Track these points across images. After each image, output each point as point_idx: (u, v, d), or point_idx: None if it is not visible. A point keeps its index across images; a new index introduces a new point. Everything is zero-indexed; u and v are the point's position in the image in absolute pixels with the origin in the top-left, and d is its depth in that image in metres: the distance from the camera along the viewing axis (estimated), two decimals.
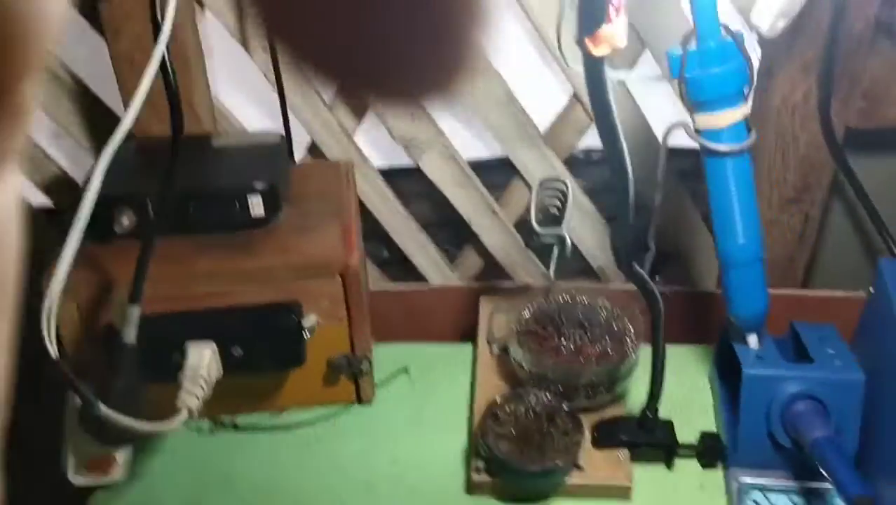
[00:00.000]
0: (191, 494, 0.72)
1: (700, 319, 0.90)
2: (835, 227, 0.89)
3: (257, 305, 0.71)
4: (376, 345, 0.86)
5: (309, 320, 0.72)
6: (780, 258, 0.87)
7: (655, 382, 0.70)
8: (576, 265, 0.92)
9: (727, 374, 0.76)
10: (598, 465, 0.71)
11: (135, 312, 0.66)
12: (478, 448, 0.71)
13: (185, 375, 0.67)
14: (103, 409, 0.59)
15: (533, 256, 0.91)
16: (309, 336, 0.73)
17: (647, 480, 0.73)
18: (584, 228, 0.89)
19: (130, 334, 0.66)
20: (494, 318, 0.83)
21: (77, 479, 0.68)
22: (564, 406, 0.72)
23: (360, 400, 0.79)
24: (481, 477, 0.71)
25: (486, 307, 0.85)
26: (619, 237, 0.63)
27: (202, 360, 0.68)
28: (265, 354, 0.71)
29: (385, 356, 0.85)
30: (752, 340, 0.70)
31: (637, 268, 0.64)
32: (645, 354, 0.84)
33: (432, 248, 0.92)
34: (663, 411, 0.77)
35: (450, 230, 0.94)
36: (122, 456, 0.70)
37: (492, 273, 0.95)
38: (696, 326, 0.89)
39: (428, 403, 0.80)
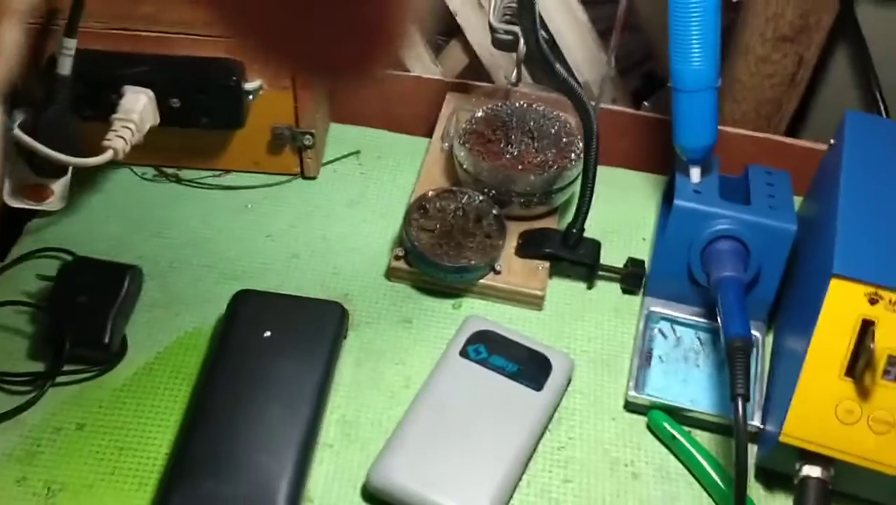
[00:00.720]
0: (123, 233, 0.74)
1: (672, 150, 0.88)
2: (831, 78, 0.83)
3: (200, 58, 0.69)
4: (339, 125, 0.86)
5: (252, 84, 0.71)
6: (767, 99, 0.82)
7: (582, 199, 0.68)
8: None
9: (671, 205, 0.74)
10: (515, 271, 0.71)
11: (70, 44, 0.65)
12: (401, 236, 0.71)
13: (116, 116, 0.67)
14: (18, 132, 0.60)
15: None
16: (252, 99, 0.72)
17: (565, 294, 0.73)
18: (572, 36, 0.85)
19: (65, 65, 0.66)
20: (456, 116, 0.81)
21: (12, 201, 0.71)
22: (494, 210, 0.72)
23: (303, 174, 0.80)
24: (400, 264, 0.72)
25: (450, 104, 0.83)
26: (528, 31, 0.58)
27: (136, 103, 0.68)
28: (202, 108, 0.71)
29: (343, 136, 0.84)
30: (695, 173, 0.68)
31: (559, 70, 0.61)
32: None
33: (417, 36, 0.89)
34: (602, 232, 0.77)
35: (440, 22, 0.90)
36: (58, 187, 0.72)
37: (476, 74, 0.92)
38: (666, 157, 0.86)
39: (371, 189, 0.80)
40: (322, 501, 0.60)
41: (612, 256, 0.75)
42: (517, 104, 0.77)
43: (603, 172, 0.83)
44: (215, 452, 0.57)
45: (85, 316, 0.65)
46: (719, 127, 0.82)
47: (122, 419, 0.63)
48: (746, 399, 0.51)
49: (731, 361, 0.53)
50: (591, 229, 0.78)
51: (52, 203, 0.72)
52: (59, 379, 0.64)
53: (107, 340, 0.64)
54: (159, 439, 0.62)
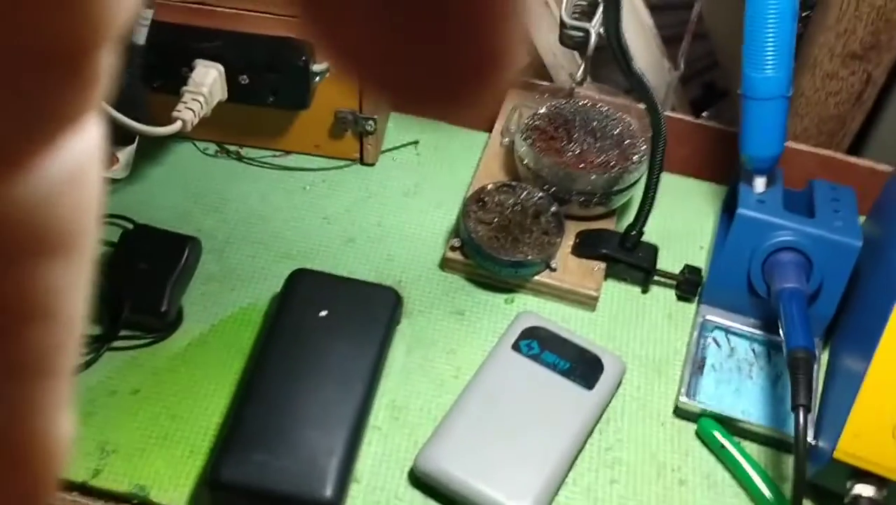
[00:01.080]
0: (182, 205, 0.75)
1: (733, 160, 0.87)
2: None
3: (272, 37, 0.70)
4: (398, 114, 0.86)
5: (320, 66, 0.72)
6: (830, 116, 0.82)
7: (645, 202, 0.68)
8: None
9: (732, 214, 0.74)
10: (571, 270, 0.71)
11: (147, 14, 0.66)
12: (458, 228, 0.71)
13: (186, 88, 0.68)
14: None
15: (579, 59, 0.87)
16: (318, 80, 0.73)
17: (619, 297, 0.73)
18: (637, 40, 0.84)
19: (141, 35, 0.67)
20: (519, 111, 0.81)
21: None
22: (553, 207, 0.72)
23: (362, 160, 0.80)
24: (455, 255, 0.72)
25: (511, 99, 0.83)
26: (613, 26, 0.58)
27: (206, 77, 0.69)
28: (270, 87, 0.71)
29: (402, 126, 0.85)
30: (759, 182, 0.67)
31: (636, 69, 0.60)
32: None
33: None
34: (659, 238, 0.77)
35: None
36: (123, 155, 0.73)
37: (536, 75, 0.92)
38: (725, 167, 0.85)
39: (428, 179, 0.80)
40: (369, 483, 0.60)
41: (668, 263, 0.75)
42: (580, 103, 0.76)
43: (662, 179, 0.83)
44: (268, 426, 0.58)
45: (144, 283, 0.66)
46: None
47: (176, 387, 0.63)
48: (808, 410, 0.51)
49: (793, 371, 0.53)
50: (648, 234, 0.78)
51: (117, 171, 0.73)
52: (116, 344, 0.65)
53: (164, 309, 0.65)
54: (211, 410, 0.62)
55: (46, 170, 0.14)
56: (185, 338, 0.66)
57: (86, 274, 0.15)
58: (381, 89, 0.15)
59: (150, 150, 0.78)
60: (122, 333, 0.65)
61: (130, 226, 0.71)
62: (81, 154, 0.15)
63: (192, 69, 0.69)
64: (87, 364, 0.63)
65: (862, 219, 0.75)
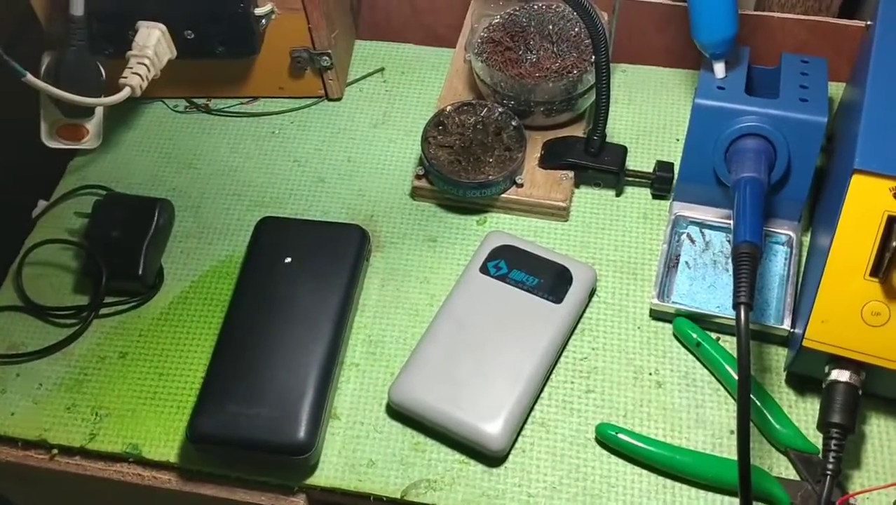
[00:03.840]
0: (157, 166, 0.76)
1: None
2: None
3: None
4: (365, 42, 0.85)
5: (263, 8, 0.71)
6: None
7: (599, 105, 0.66)
8: None
9: None
10: (538, 183, 0.70)
11: None
12: (421, 156, 0.71)
13: (131, 53, 0.68)
14: (30, 78, 0.62)
15: None
16: (265, 24, 0.72)
17: (593, 203, 0.71)
18: None
19: (78, 6, 0.67)
20: (476, 24, 0.79)
21: (49, 142, 0.73)
22: (514, 122, 0.70)
23: (328, 96, 0.79)
24: (421, 183, 0.71)
25: (474, 11, 0.81)
26: None
27: (150, 38, 0.69)
28: (216, 38, 0.71)
29: (367, 54, 0.83)
30: (719, 68, 0.64)
31: None
32: (628, 74, 0.80)
33: None
34: (636, 135, 0.75)
35: None
36: (92, 126, 0.74)
37: None
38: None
39: (397, 106, 0.79)
40: (349, 418, 0.62)
41: (644, 160, 0.73)
42: (536, 7, 0.74)
43: (639, 72, 0.81)
44: (240, 376, 0.59)
45: (118, 250, 0.67)
46: (765, 13, 0.77)
47: (161, 346, 0.66)
48: (750, 308, 0.49)
49: (735, 267, 0.51)
50: (624, 132, 0.76)
51: (89, 141, 0.74)
52: (102, 311, 0.67)
53: (140, 272, 0.67)
54: (195, 364, 0.65)
55: None
56: (167, 297, 0.68)
57: None
58: None
59: (121, 115, 0.79)
60: (108, 300, 0.68)
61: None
62: None
63: (136, 32, 0.69)
64: (76, 335, 0.66)
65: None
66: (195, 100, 0.80)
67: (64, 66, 0.68)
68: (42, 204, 0.74)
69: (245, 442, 0.57)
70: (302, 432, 0.57)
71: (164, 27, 0.69)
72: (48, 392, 0.64)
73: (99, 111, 0.73)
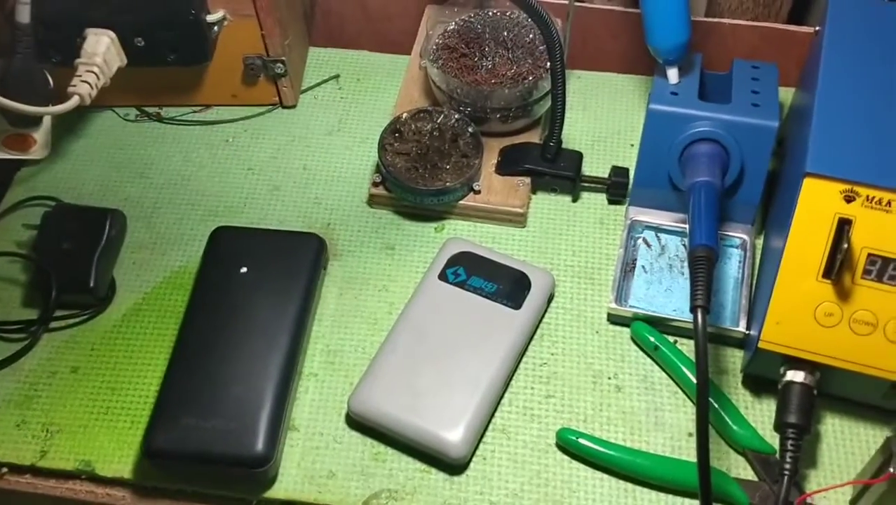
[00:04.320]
0: (108, 176, 0.75)
1: None
2: None
3: None
4: (319, 49, 0.84)
5: (215, 15, 0.70)
6: None
7: (555, 111, 0.66)
8: None
9: None
10: (495, 189, 0.70)
11: None
12: (378, 163, 0.70)
13: (80, 60, 0.67)
14: None
15: None
16: (217, 31, 0.71)
17: (549, 209, 0.72)
18: None
19: (23, 13, 0.66)
20: (431, 31, 0.79)
21: None
22: (470, 129, 0.70)
23: (282, 104, 0.79)
24: (379, 190, 0.71)
25: (430, 18, 0.81)
26: None
27: (98, 46, 0.67)
28: (167, 45, 0.70)
29: (323, 61, 0.83)
30: (672, 74, 0.65)
31: None
32: (583, 80, 0.80)
33: None
34: (591, 141, 0.76)
35: None
36: (39, 135, 0.72)
37: None
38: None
39: (352, 113, 0.79)
40: (308, 430, 0.61)
41: (600, 166, 0.74)
42: (490, 14, 0.74)
43: (593, 78, 0.81)
44: (195, 389, 0.58)
45: (69, 262, 0.66)
46: (716, 20, 0.78)
47: (114, 360, 0.64)
48: (707, 311, 0.50)
49: (692, 270, 0.52)
50: (580, 138, 0.76)
51: (36, 152, 0.72)
52: (53, 325, 0.66)
53: (92, 284, 0.65)
54: (149, 377, 0.63)
55: None
56: (119, 310, 0.67)
57: None
58: None
59: (70, 124, 0.78)
60: (58, 313, 0.66)
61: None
62: None
63: (84, 39, 0.68)
64: (26, 349, 0.64)
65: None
66: (146, 108, 0.79)
67: (10, 74, 0.67)
68: None
69: (202, 455, 0.56)
70: (260, 444, 0.56)
71: (113, 34, 0.68)
72: None
73: (47, 120, 0.72)
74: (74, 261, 0.66)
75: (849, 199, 0.53)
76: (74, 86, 0.66)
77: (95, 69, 0.67)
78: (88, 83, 0.66)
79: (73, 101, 0.66)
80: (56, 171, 0.75)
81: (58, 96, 0.68)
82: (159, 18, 0.68)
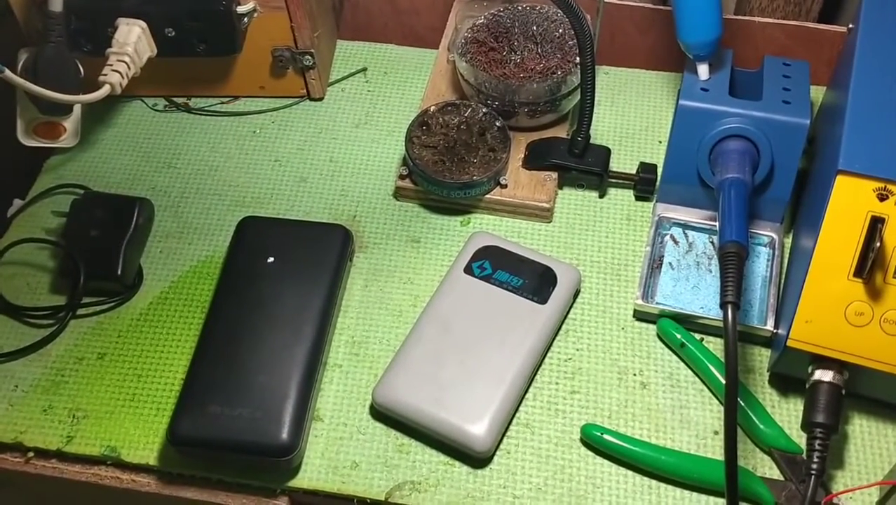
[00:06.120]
0: (136, 165, 0.75)
1: None
2: None
3: None
4: (347, 42, 0.84)
5: (245, 6, 0.70)
6: None
7: (584, 106, 0.66)
8: None
9: None
10: (522, 184, 0.70)
11: None
12: (405, 156, 0.70)
13: (111, 50, 0.67)
14: (8, 74, 0.61)
15: None
16: (246, 22, 0.72)
17: (576, 205, 0.71)
18: None
19: (56, 2, 0.66)
20: (461, 24, 0.79)
21: (26, 140, 0.72)
22: (497, 122, 0.70)
23: (310, 96, 0.79)
24: (405, 183, 0.71)
25: (458, 12, 0.80)
26: None
27: (130, 36, 0.68)
28: (197, 36, 0.70)
29: (351, 54, 0.83)
30: (703, 70, 0.65)
31: None
32: (611, 76, 0.80)
33: None
34: (618, 137, 0.75)
35: None
36: (69, 124, 0.73)
37: None
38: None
39: (379, 106, 0.79)
40: (332, 420, 0.61)
41: (628, 162, 0.73)
42: (520, 8, 0.74)
43: (621, 74, 0.81)
44: (221, 377, 0.59)
45: (97, 249, 0.66)
46: (745, 18, 0.78)
47: (141, 347, 0.65)
48: (737, 307, 0.49)
49: (722, 266, 0.51)
50: (608, 134, 0.76)
51: (66, 140, 0.73)
52: (80, 311, 0.66)
53: (119, 272, 0.66)
54: (175, 365, 0.64)
55: None
56: (146, 298, 0.67)
57: None
58: None
59: (100, 113, 0.78)
60: (86, 300, 0.66)
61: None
62: None
63: (115, 29, 0.68)
64: (53, 335, 0.65)
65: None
66: (175, 98, 0.79)
67: (41, 62, 0.67)
68: (18, 203, 0.72)
69: (226, 444, 0.56)
70: (285, 434, 0.56)
71: (144, 24, 0.69)
72: (24, 394, 0.62)
73: (77, 109, 0.72)
74: (102, 248, 0.66)
75: (882, 198, 0.53)
76: (105, 75, 0.67)
77: (126, 59, 0.67)
78: (119, 72, 0.67)
79: (104, 90, 0.66)
80: (85, 159, 0.76)
81: (88, 85, 0.68)
82: (190, 9, 0.69)
